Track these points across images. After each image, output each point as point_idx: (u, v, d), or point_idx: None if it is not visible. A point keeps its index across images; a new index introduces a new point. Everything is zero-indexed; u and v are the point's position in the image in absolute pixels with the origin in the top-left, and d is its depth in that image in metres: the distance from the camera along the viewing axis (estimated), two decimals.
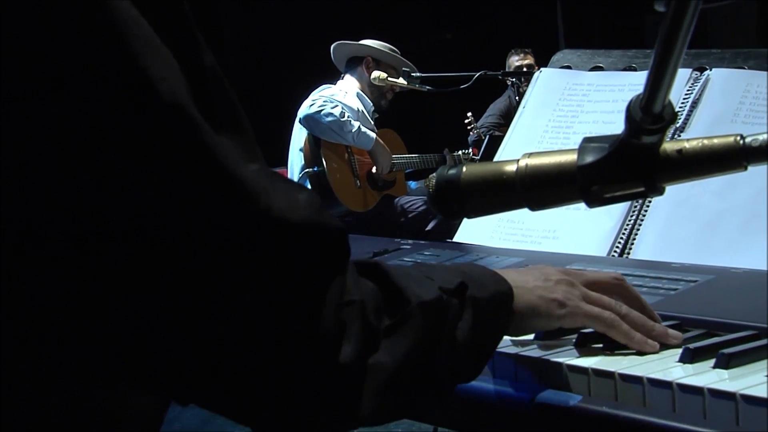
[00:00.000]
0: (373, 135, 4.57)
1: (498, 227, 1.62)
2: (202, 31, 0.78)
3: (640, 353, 1.00)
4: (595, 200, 0.95)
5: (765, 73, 1.53)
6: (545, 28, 7.17)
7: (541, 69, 1.82)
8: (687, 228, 1.43)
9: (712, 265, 1.29)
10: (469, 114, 5.36)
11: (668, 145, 0.92)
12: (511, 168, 0.99)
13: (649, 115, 0.88)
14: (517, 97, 4.42)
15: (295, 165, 4.63)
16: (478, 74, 3.92)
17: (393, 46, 4.80)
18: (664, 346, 1.01)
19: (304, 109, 4.43)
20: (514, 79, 4.42)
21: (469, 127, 5.36)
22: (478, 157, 4.60)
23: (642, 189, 0.94)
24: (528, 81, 3.01)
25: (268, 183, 0.76)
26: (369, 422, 0.85)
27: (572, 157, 0.96)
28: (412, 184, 5.41)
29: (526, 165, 0.98)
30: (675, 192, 1.45)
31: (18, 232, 0.68)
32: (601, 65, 1.77)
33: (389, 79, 4.61)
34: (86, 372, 0.75)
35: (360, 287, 0.83)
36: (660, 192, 0.95)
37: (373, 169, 4.69)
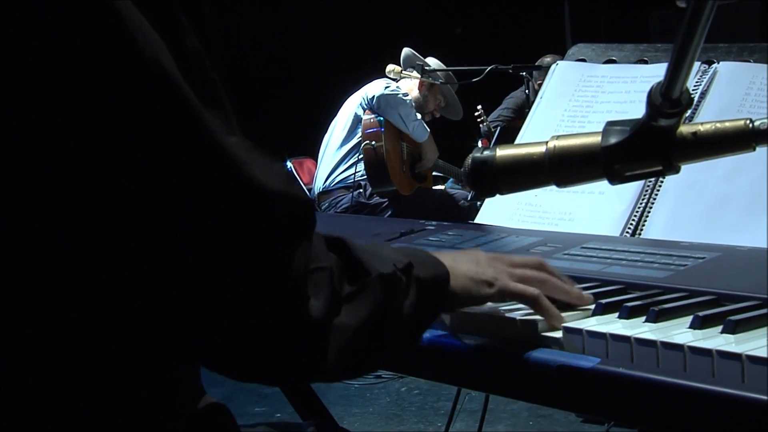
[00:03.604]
0: (428, 130, 4.78)
1: (517, 210, 1.69)
2: (216, 24, 0.87)
3: (654, 320, 1.07)
4: (617, 177, 1.04)
5: None
6: (553, 23, 7.23)
7: (558, 62, 1.89)
8: (695, 209, 1.50)
9: (719, 244, 1.36)
10: (479, 107, 5.43)
11: (684, 128, 1.00)
12: (541, 149, 1.08)
13: (668, 100, 0.97)
14: (527, 90, 4.48)
15: (335, 143, 4.77)
16: (489, 68, 4.00)
17: (450, 71, 4.93)
18: (674, 316, 1.09)
19: (380, 90, 4.61)
20: (524, 73, 4.46)
21: (479, 120, 5.43)
22: None
23: (660, 168, 1.02)
24: (542, 76, 3.07)
25: (247, 154, 0.84)
26: (329, 376, 0.93)
27: (596, 138, 1.04)
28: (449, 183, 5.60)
29: (555, 146, 1.07)
30: (683, 176, 1.51)
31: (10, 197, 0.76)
32: (614, 58, 1.83)
33: (403, 72, 4.75)
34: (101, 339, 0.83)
35: (328, 257, 0.92)
36: (676, 170, 1.03)
37: (424, 162, 4.87)
